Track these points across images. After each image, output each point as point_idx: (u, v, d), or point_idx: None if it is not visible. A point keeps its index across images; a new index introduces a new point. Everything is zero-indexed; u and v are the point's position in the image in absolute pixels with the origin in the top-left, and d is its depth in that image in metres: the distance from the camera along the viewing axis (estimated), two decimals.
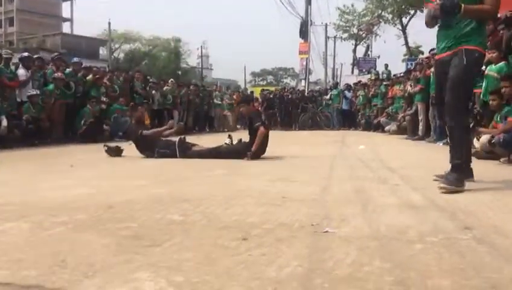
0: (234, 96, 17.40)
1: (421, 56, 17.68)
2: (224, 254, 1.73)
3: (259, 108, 15.91)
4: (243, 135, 5.93)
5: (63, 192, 3.20)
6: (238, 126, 17.60)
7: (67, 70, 10.01)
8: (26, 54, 9.47)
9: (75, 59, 10.91)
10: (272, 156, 5.70)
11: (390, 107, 13.18)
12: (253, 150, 5.37)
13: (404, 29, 27.81)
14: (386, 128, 12.50)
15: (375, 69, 23.81)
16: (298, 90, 21.72)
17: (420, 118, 9.86)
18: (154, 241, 1.90)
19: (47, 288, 1.41)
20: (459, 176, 3.13)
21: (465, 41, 3.22)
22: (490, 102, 5.57)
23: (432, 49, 8.92)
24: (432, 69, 8.76)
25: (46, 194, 3.11)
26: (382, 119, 13.27)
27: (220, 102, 16.82)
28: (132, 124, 6.74)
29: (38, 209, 2.57)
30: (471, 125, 6.18)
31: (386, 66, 21.06)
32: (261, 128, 5.42)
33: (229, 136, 6.16)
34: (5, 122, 7.66)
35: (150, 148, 5.88)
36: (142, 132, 5.94)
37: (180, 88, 14.37)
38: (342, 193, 3.07)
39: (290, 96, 18.40)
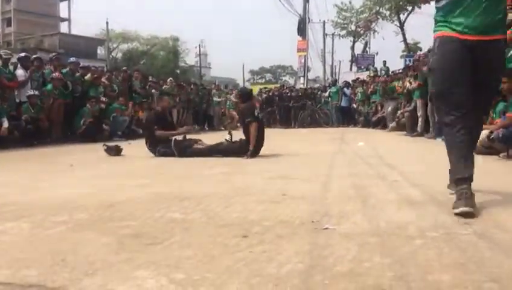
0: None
1: (419, 52, 17.67)
2: (225, 251, 1.73)
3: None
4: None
5: (63, 192, 3.20)
6: (238, 124, 17.62)
7: (65, 70, 9.97)
8: (24, 54, 9.45)
9: (72, 59, 10.84)
10: (272, 154, 5.70)
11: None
12: (251, 149, 5.37)
13: (402, 25, 27.75)
14: (389, 123, 12.38)
15: (373, 66, 23.82)
16: (294, 87, 21.75)
17: (419, 114, 9.87)
18: (154, 239, 1.90)
19: (48, 287, 1.42)
20: None
21: (501, 27, 2.52)
22: None
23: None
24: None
25: (46, 194, 3.11)
26: (384, 113, 13.15)
27: (218, 100, 16.80)
28: (152, 115, 6.64)
29: (38, 209, 2.57)
30: None
31: (384, 62, 21.13)
32: (253, 124, 5.42)
33: (229, 133, 6.16)
34: (6, 124, 7.65)
35: (154, 145, 5.94)
36: (156, 132, 5.94)
37: (180, 88, 14.25)
38: (342, 190, 3.07)
39: (288, 94, 18.38)
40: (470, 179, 2.43)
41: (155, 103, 12.13)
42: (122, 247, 1.80)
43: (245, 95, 6.15)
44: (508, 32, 4.88)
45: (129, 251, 1.75)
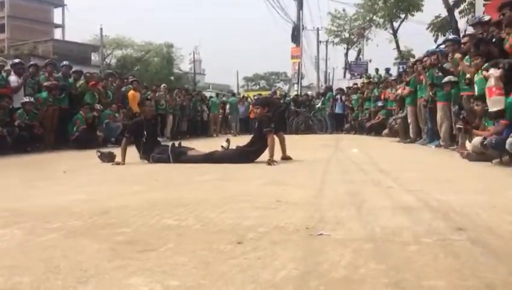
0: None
1: (411, 59, 17.80)
2: (220, 258, 1.72)
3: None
4: (238, 140, 5.91)
5: (56, 198, 3.18)
6: (232, 131, 17.78)
7: (57, 74, 9.90)
8: (17, 60, 9.39)
9: (65, 62, 10.68)
10: (265, 160, 5.69)
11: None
12: (270, 156, 5.33)
13: (395, 33, 28.00)
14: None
15: (366, 73, 23.98)
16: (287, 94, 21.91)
17: (409, 120, 9.91)
18: (148, 246, 1.89)
19: None
20: None
21: None
22: (475, 107, 5.63)
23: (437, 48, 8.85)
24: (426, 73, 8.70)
25: (39, 201, 3.08)
26: (378, 119, 13.25)
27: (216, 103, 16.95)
28: (132, 124, 6.54)
29: (31, 215, 2.55)
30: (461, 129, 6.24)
31: (377, 70, 21.27)
32: (271, 135, 5.44)
33: (227, 140, 6.13)
34: None
35: (147, 151, 5.92)
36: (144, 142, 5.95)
37: (172, 93, 14.11)
38: (336, 196, 3.07)
39: (281, 100, 18.39)
40: None
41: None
42: (115, 254, 1.79)
43: (264, 103, 6.02)
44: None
45: (123, 257, 1.74)
